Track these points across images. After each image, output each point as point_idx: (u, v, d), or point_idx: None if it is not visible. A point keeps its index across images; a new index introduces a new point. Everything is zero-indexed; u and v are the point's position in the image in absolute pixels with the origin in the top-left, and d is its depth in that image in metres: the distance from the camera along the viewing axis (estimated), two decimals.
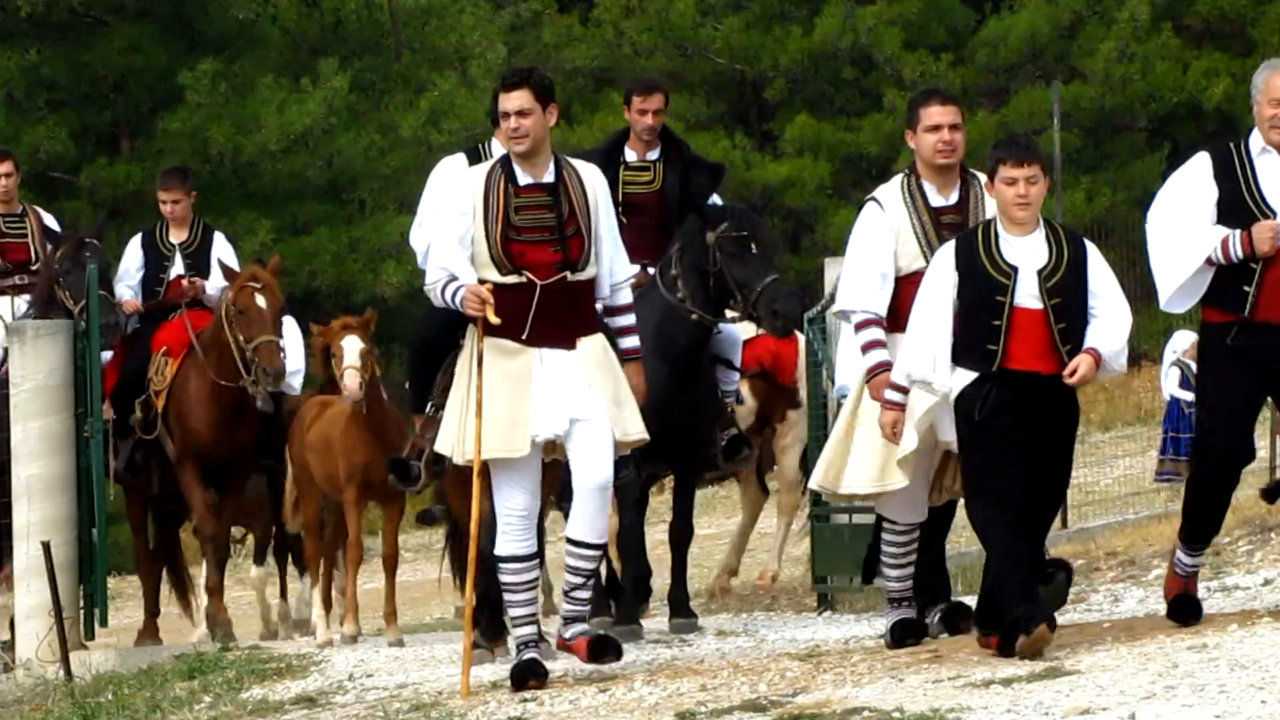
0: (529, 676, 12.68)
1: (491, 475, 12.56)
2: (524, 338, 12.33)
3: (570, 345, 12.42)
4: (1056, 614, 11.97)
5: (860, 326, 12.41)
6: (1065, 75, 40.93)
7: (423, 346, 15.04)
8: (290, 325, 19.41)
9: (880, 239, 12.35)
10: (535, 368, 12.36)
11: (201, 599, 20.48)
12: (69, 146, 43.05)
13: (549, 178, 12.46)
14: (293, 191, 42.09)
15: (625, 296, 12.88)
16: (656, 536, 17.10)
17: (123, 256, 20.21)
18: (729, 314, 15.18)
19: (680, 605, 15.89)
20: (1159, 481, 29.08)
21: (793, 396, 19.08)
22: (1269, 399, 11.98)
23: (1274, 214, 11.18)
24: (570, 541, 12.65)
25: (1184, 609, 11.97)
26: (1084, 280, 11.49)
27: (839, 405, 17.79)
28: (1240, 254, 11.13)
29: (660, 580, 16.44)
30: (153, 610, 20.57)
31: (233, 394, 18.63)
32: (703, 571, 23.84)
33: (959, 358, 11.55)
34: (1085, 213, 39.10)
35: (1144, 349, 32.59)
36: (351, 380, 16.54)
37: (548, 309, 12.35)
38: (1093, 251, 11.59)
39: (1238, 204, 11.25)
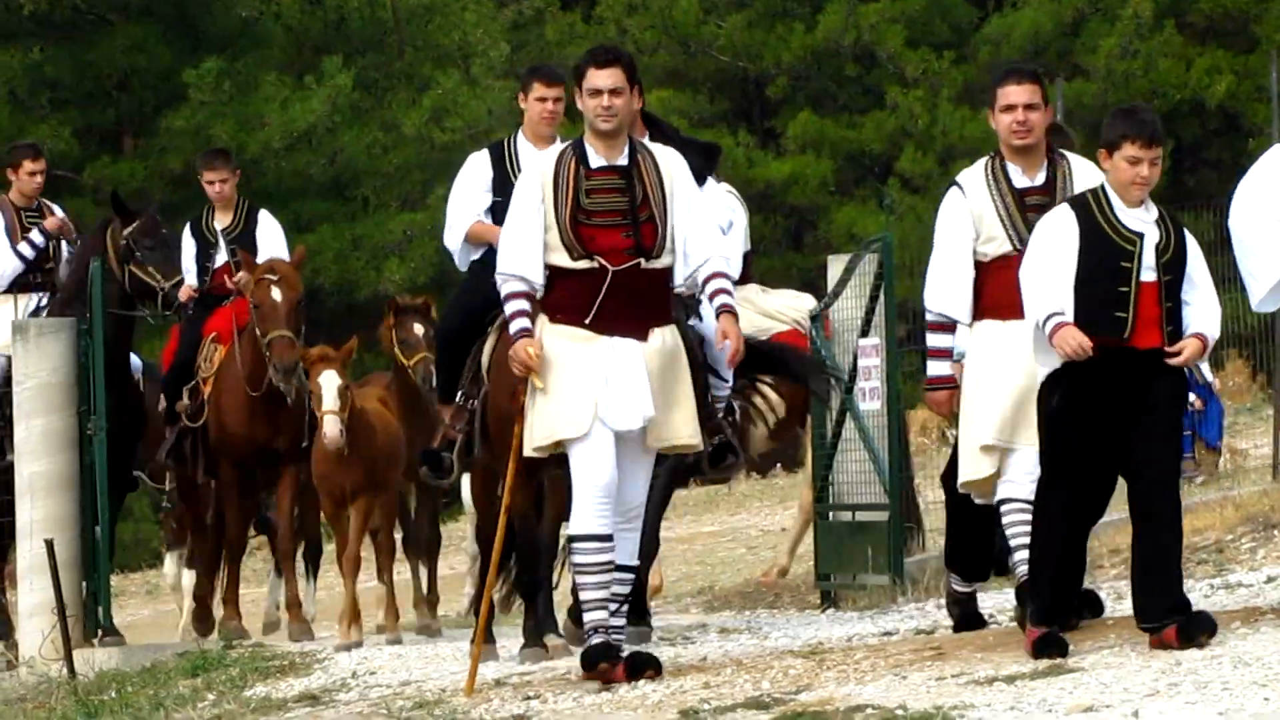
0: (599, 660, 12.46)
1: (570, 454, 12.32)
2: (587, 322, 12.16)
3: (642, 336, 12.25)
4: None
5: (934, 328, 12.41)
6: (1068, 73, 40.95)
7: (451, 335, 14.96)
8: None
9: (961, 228, 12.24)
10: (605, 354, 12.19)
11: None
12: (73, 145, 43.06)
13: (623, 160, 12.30)
14: (296, 189, 42.11)
15: (717, 283, 12.51)
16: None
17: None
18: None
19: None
20: None
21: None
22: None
23: None
24: (621, 568, 12.53)
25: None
26: (1185, 262, 11.36)
27: (843, 405, 17.88)
28: None
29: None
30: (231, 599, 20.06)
31: (266, 389, 18.30)
32: (705, 569, 23.87)
33: (1079, 326, 11.29)
34: None
35: None
36: (331, 427, 16.30)
37: (618, 296, 12.19)
38: (1190, 237, 11.48)
39: None
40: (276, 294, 17.80)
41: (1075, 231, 11.20)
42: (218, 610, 19.76)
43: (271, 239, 19.21)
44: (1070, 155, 12.33)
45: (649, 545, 14.85)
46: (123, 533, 24.54)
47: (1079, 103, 41.59)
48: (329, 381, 16.34)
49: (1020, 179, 12.08)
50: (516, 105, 15.17)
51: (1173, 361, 11.31)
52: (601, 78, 12.23)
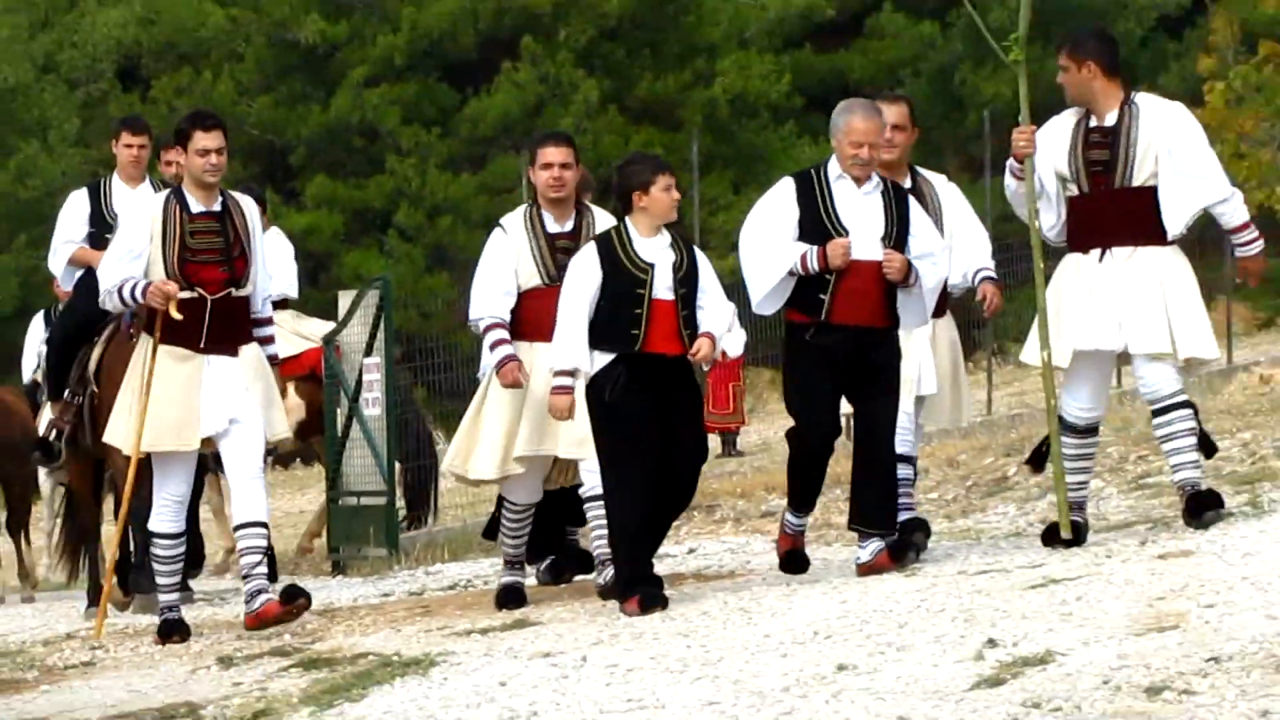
0: (172, 633, 12.28)
1: (155, 464, 12.13)
2: (201, 346, 11.91)
3: (234, 352, 12.03)
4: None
5: (487, 329, 11.94)
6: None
7: (62, 343, 14.59)
8: None
9: (503, 259, 11.97)
10: (205, 371, 11.95)
11: None
12: None
13: (217, 207, 12.05)
14: None
15: (269, 309, 12.51)
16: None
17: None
18: None
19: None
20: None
21: None
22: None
23: (846, 233, 11.07)
24: (242, 525, 12.11)
25: (794, 562, 11.76)
26: (698, 278, 11.26)
27: (350, 412, 17.88)
28: (816, 267, 11.05)
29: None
30: None
31: None
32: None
33: (599, 343, 11.14)
34: None
35: None
36: None
37: (217, 321, 11.95)
38: (700, 254, 11.44)
39: (816, 223, 11.14)
40: None
41: (597, 267, 11.11)
42: None
43: None
44: (597, 210, 12.23)
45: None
46: None
47: None
48: None
49: (553, 225, 11.95)
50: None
51: (694, 359, 11.25)
52: (208, 139, 11.96)
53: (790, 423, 11.61)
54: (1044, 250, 11.36)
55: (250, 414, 11.96)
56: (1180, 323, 11.07)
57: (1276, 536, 10.44)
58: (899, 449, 11.61)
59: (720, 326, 11.24)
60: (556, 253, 11.84)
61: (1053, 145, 11.30)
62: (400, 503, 18.51)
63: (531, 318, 11.79)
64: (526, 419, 11.73)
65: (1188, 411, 11.16)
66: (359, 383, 17.60)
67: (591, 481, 11.74)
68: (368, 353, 17.44)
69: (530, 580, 12.68)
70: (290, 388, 16.64)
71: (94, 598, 14.61)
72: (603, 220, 11.98)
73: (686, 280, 11.13)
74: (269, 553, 12.26)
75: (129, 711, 10.67)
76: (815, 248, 11.02)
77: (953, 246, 11.74)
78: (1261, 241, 11.33)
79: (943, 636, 9.30)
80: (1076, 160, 11.22)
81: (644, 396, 11.05)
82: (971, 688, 8.37)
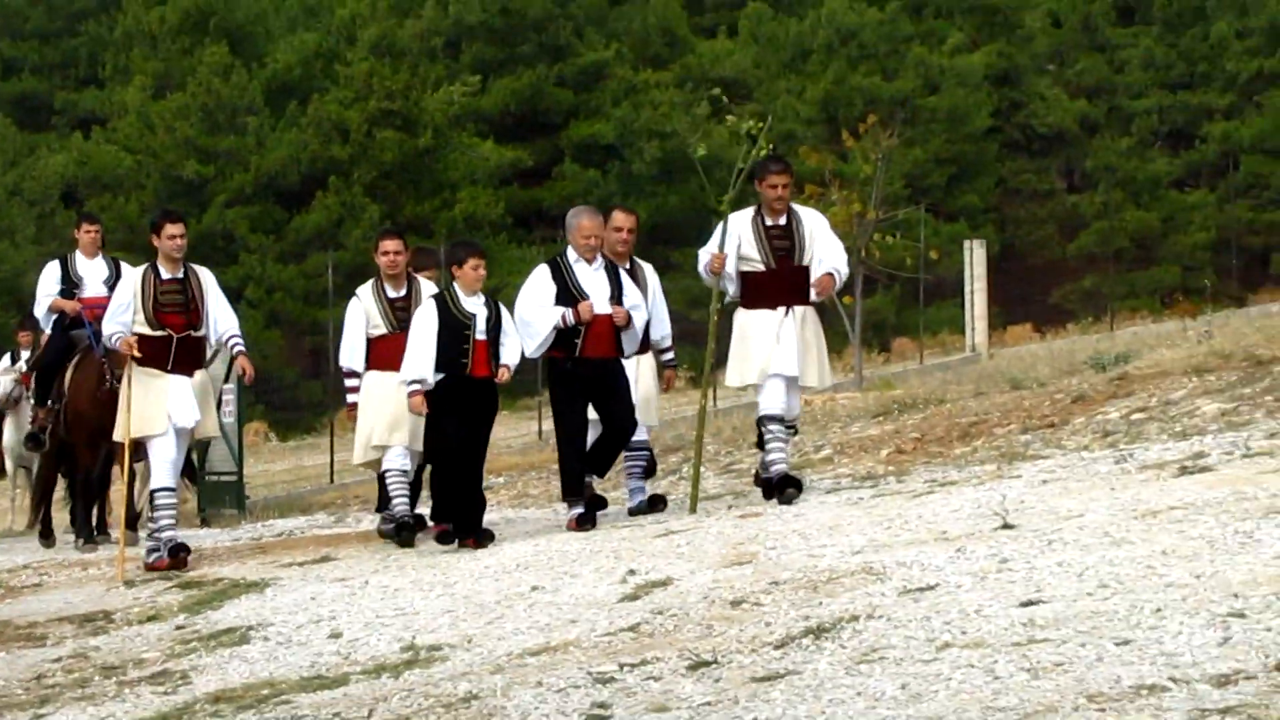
0: (180, 551, 11.64)
1: (149, 444, 11.59)
2: (168, 368, 11.53)
3: (190, 374, 11.63)
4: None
5: (347, 375, 11.62)
6: None
7: (45, 367, 14.19)
8: None
9: (358, 318, 11.51)
10: (170, 384, 11.51)
11: None
12: None
13: (181, 274, 11.71)
14: None
15: (236, 332, 11.91)
16: None
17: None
18: None
19: None
20: None
21: None
22: None
23: (589, 297, 10.81)
24: (157, 489, 11.53)
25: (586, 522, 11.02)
26: (502, 324, 10.87)
27: None
28: (572, 321, 10.77)
29: None
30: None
31: None
32: None
33: (440, 367, 10.73)
34: None
35: None
36: None
37: (180, 352, 11.58)
38: (504, 308, 11.02)
39: (565, 292, 10.85)
40: None
41: (435, 317, 10.77)
42: None
43: None
44: (423, 280, 11.76)
45: None
46: None
47: None
48: None
49: (391, 292, 11.55)
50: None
51: (499, 380, 10.87)
52: (175, 229, 11.67)
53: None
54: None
55: (195, 416, 11.62)
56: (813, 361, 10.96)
57: (815, 504, 10.56)
58: (638, 436, 11.36)
59: (514, 359, 10.94)
60: (396, 311, 11.54)
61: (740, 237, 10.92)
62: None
63: (381, 355, 11.45)
64: (380, 423, 11.43)
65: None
66: (219, 400, 17.28)
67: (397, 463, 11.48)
68: (226, 380, 17.13)
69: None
70: None
71: (83, 534, 14.11)
72: (427, 287, 11.66)
73: (494, 327, 10.87)
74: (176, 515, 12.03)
75: (64, 616, 10.51)
76: (570, 309, 10.80)
77: (652, 312, 11.37)
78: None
79: (600, 568, 9.30)
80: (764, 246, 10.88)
81: (464, 404, 10.83)
82: (619, 601, 8.40)
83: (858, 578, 7.85)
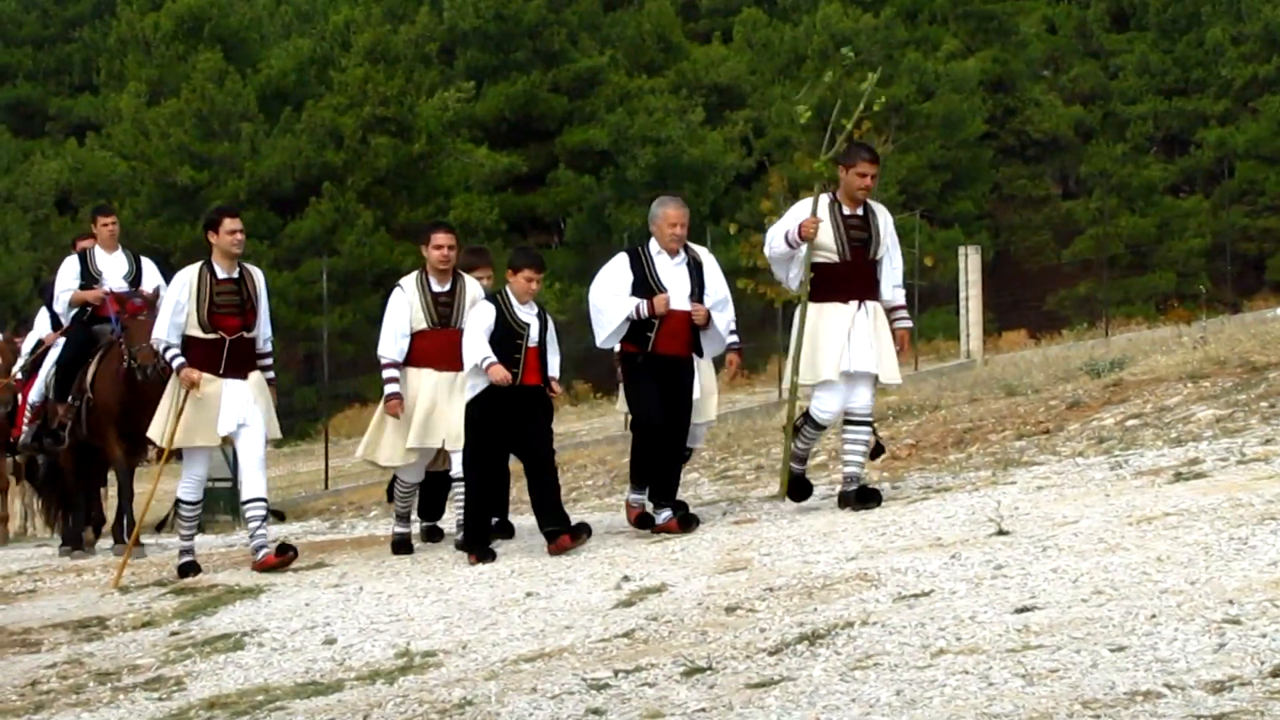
0: (189, 572, 11.35)
1: (185, 454, 11.27)
2: (221, 372, 11.11)
3: (245, 376, 11.23)
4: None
5: (386, 367, 11.09)
6: None
7: (67, 363, 13.76)
8: None
9: (401, 310, 11.06)
10: (225, 390, 11.14)
11: None
12: None
13: (236, 274, 11.27)
14: None
15: (269, 347, 11.45)
16: None
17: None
18: None
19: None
20: None
21: None
22: None
23: (665, 290, 10.32)
24: (248, 500, 11.27)
25: (643, 523, 10.56)
26: (547, 331, 10.49)
27: None
28: (646, 313, 10.30)
29: None
30: None
31: None
32: None
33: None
34: None
35: None
36: None
37: (232, 355, 11.16)
38: (550, 319, 10.68)
39: (643, 282, 10.38)
40: None
41: (492, 319, 10.35)
42: None
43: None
44: (468, 279, 11.30)
45: None
46: None
47: None
48: None
49: (436, 286, 11.10)
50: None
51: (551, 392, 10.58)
52: (234, 224, 11.27)
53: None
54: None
55: (255, 420, 11.24)
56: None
57: (809, 510, 10.56)
58: (692, 443, 11.05)
59: (557, 372, 10.62)
60: (439, 306, 11.13)
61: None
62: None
63: (421, 350, 11.09)
64: (415, 423, 11.05)
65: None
66: None
67: (411, 476, 11.36)
68: None
69: (416, 530, 11.87)
70: None
71: (72, 542, 14.00)
72: (472, 285, 11.23)
73: (543, 337, 10.50)
74: (269, 515, 11.72)
75: (59, 622, 10.49)
76: (645, 301, 10.36)
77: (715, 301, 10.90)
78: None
79: (595, 574, 9.32)
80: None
81: (516, 412, 10.41)
82: (613, 607, 8.41)
83: (852, 584, 7.86)
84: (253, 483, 11.28)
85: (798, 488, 10.66)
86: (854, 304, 10.21)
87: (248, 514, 11.42)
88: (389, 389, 11.12)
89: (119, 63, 46.95)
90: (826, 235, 10.20)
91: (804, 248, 10.22)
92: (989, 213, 47.11)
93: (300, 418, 37.46)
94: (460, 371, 10.73)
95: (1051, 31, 50.21)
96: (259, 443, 11.29)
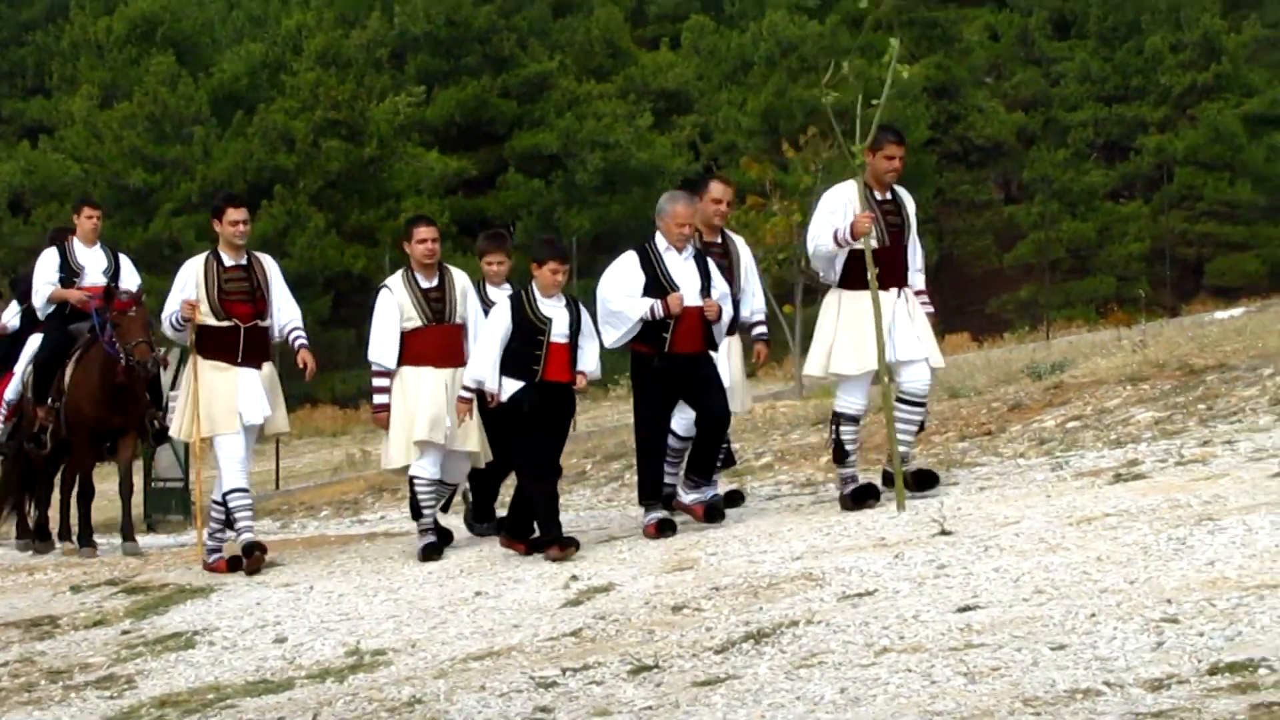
0: (254, 550, 10.78)
1: (216, 442, 10.85)
2: (238, 362, 10.86)
3: (259, 366, 10.97)
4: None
5: (377, 374, 10.62)
6: None
7: (43, 363, 13.20)
8: None
9: (390, 311, 10.61)
10: (240, 378, 10.86)
11: None
12: None
13: (244, 261, 10.99)
14: None
15: (299, 324, 11.21)
16: None
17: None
18: None
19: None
20: None
21: None
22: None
23: (679, 288, 9.90)
24: (231, 491, 10.88)
25: (665, 529, 9.94)
26: (581, 328, 10.13)
27: None
28: (661, 314, 9.86)
29: None
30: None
31: None
32: None
33: (508, 372, 9.93)
34: None
35: None
36: None
37: (248, 342, 10.89)
38: (584, 310, 10.22)
39: (654, 281, 9.94)
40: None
41: (509, 318, 9.97)
42: None
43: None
44: (455, 271, 10.94)
45: None
46: None
47: None
48: None
49: (424, 283, 10.68)
50: None
51: (576, 389, 10.23)
52: (237, 214, 11.02)
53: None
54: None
55: (266, 412, 10.97)
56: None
57: (755, 510, 10.57)
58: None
59: (592, 365, 10.20)
60: (430, 302, 10.69)
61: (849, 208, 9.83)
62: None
63: (418, 349, 10.64)
64: (422, 418, 10.47)
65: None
66: (165, 407, 16.91)
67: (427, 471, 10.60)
68: (173, 387, 16.89)
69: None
70: None
71: (35, 536, 13.63)
72: (459, 277, 10.86)
73: (575, 330, 10.09)
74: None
75: (10, 621, 10.40)
76: (659, 300, 9.92)
77: (745, 287, 10.59)
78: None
79: (543, 574, 9.30)
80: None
81: (541, 411, 10.01)
82: (561, 606, 8.41)
83: (797, 583, 7.87)
84: (232, 474, 10.94)
85: (865, 493, 9.88)
86: (893, 291, 9.84)
87: (215, 510, 11.09)
88: (378, 399, 10.68)
89: (72, 66, 46.66)
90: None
91: (859, 241, 9.68)
92: (933, 217, 47.23)
93: None
94: (460, 367, 10.47)
95: (994, 39, 50.44)
96: (253, 438, 11.08)
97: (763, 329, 10.78)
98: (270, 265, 11.23)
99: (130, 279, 13.27)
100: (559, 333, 10.00)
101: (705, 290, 10.05)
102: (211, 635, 9.04)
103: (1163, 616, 6.27)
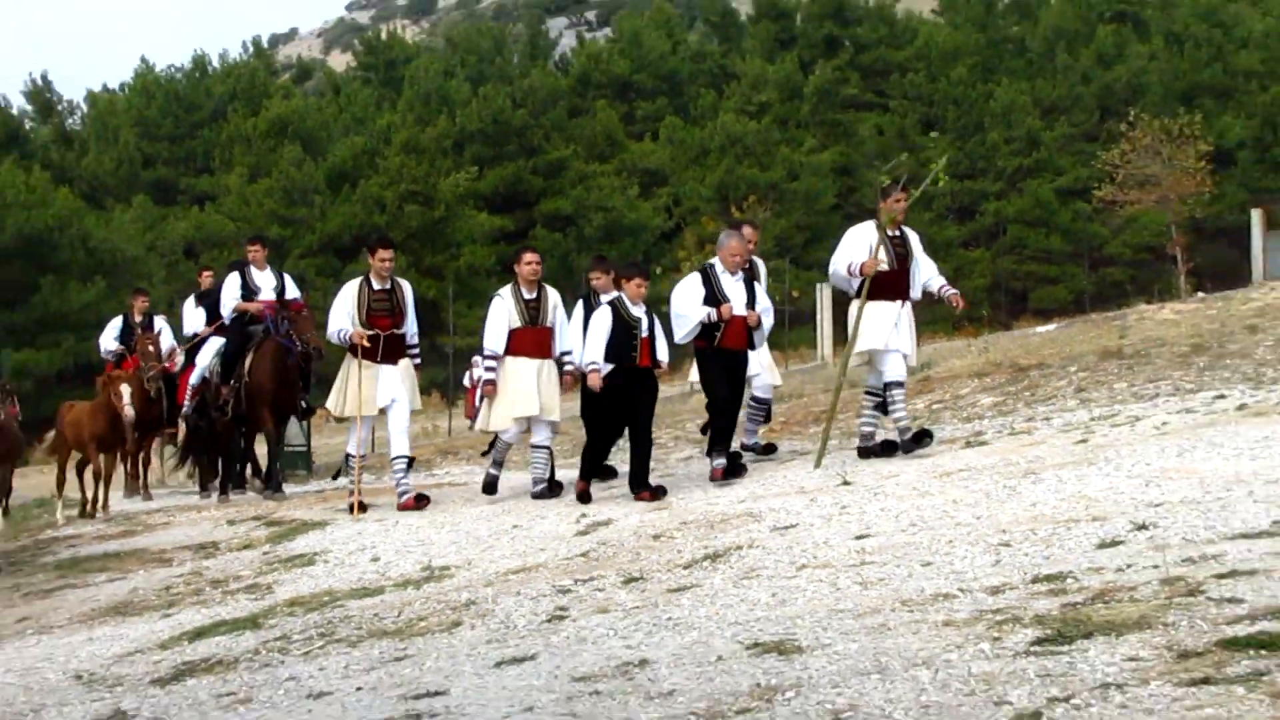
0: (422, 500, 10.42)
1: (359, 418, 10.67)
2: (378, 360, 10.63)
3: (395, 362, 10.71)
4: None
5: (488, 358, 10.29)
6: None
7: (229, 355, 13.00)
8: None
9: (501, 313, 10.27)
10: (380, 372, 10.63)
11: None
12: None
13: (388, 286, 10.71)
14: None
15: (416, 339, 10.89)
16: None
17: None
18: None
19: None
20: None
21: None
22: None
23: (729, 300, 9.66)
24: (397, 456, 10.61)
25: (733, 472, 9.57)
26: (655, 327, 9.58)
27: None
28: (715, 319, 9.63)
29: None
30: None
31: None
32: None
33: (610, 358, 9.50)
34: None
35: None
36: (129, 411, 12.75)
37: (387, 346, 10.65)
38: (655, 316, 9.69)
39: (712, 294, 9.70)
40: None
41: (610, 316, 9.61)
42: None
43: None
44: (548, 286, 10.43)
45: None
46: None
47: None
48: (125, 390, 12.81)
49: (526, 294, 10.22)
50: None
51: (658, 373, 9.66)
52: (386, 253, 10.63)
53: None
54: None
55: (402, 396, 10.72)
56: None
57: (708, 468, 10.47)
58: (762, 394, 10.43)
59: (666, 356, 9.84)
60: (529, 309, 10.36)
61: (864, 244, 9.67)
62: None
63: (517, 344, 10.31)
64: (518, 397, 10.26)
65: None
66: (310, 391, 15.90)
67: (542, 436, 10.26)
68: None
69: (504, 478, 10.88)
70: None
71: (224, 489, 13.19)
72: (552, 294, 10.41)
73: (652, 328, 9.73)
74: (410, 465, 10.81)
75: (185, 544, 10.35)
76: (714, 309, 9.71)
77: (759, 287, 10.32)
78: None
79: (561, 513, 9.25)
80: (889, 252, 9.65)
81: (632, 388, 9.60)
82: (574, 535, 8.36)
83: (742, 519, 7.84)
84: (399, 443, 10.73)
85: (883, 448, 9.54)
86: (898, 302, 9.71)
87: (395, 466, 10.81)
88: (487, 375, 10.29)
89: (229, 153, 46.53)
90: (882, 251, 9.66)
91: (859, 280, 9.56)
92: None
93: None
94: (547, 359, 10.14)
95: (880, 134, 50.47)
96: (404, 414, 10.74)
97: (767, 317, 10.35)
98: (407, 289, 10.91)
99: (292, 292, 13.24)
100: (644, 330, 9.69)
101: (750, 303, 9.88)
102: (326, 556, 8.99)
103: (999, 542, 6.26)
